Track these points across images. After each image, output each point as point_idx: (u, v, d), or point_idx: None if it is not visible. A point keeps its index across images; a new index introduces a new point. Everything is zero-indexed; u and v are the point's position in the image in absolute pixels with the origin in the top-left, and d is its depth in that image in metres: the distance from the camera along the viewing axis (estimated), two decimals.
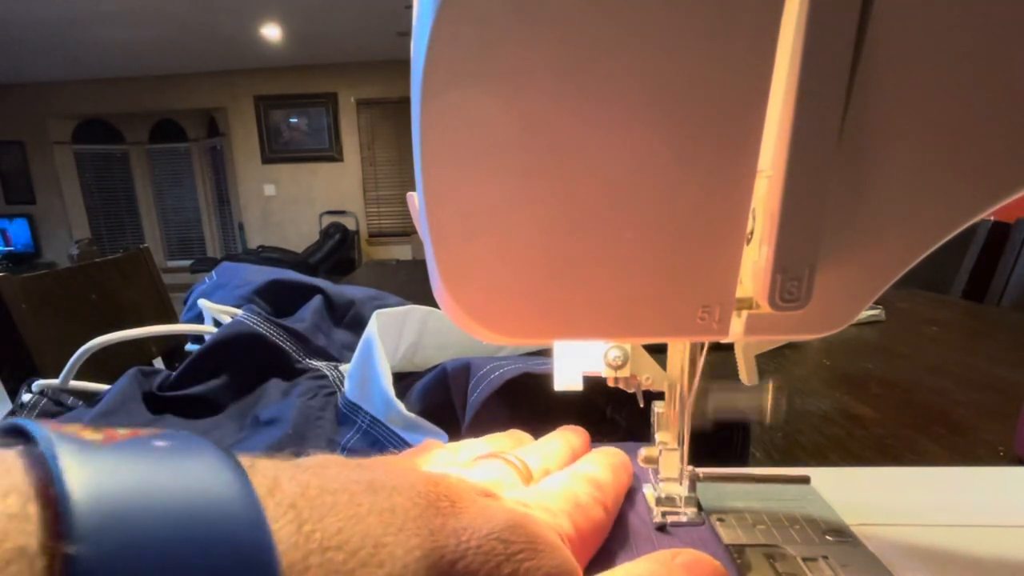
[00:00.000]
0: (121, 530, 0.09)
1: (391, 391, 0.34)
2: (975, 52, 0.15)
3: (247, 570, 0.10)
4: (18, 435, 0.11)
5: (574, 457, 0.24)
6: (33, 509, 0.09)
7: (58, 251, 5.11)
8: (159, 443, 0.11)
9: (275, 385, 0.44)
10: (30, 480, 0.09)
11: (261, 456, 0.15)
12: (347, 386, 0.40)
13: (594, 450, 0.25)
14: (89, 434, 0.11)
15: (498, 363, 0.34)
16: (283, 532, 0.11)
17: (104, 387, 0.43)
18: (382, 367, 0.35)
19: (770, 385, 0.23)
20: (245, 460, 0.12)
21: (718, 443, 0.30)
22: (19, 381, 0.43)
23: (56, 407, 0.41)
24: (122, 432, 0.11)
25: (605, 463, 0.23)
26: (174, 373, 0.44)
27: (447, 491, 0.16)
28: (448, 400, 0.35)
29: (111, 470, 0.10)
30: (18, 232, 5.16)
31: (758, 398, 0.24)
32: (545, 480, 0.22)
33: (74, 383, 0.43)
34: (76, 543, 0.09)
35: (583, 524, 0.19)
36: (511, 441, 0.25)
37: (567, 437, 0.25)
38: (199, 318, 0.56)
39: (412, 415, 0.33)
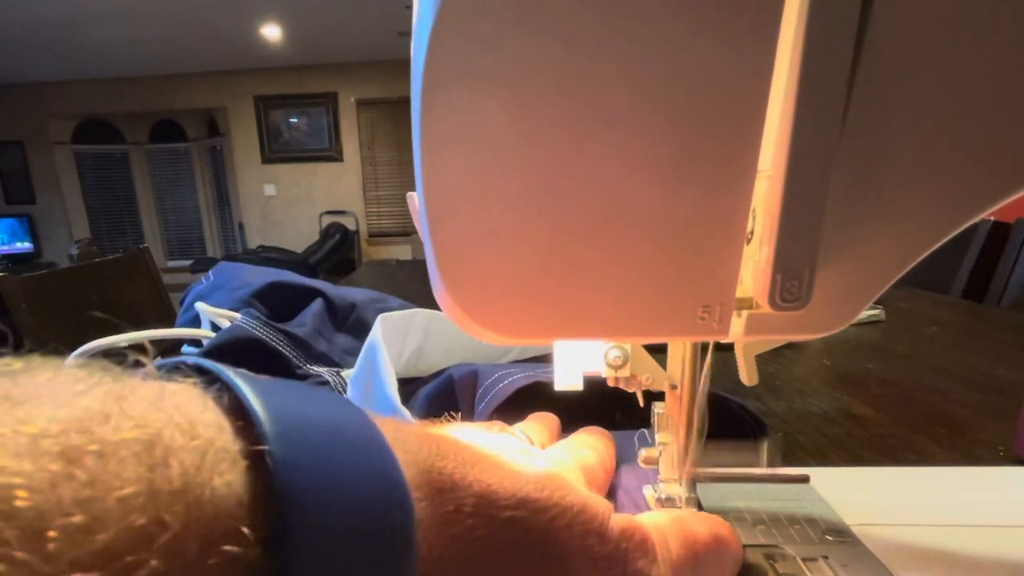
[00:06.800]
0: (295, 435, 0.11)
1: (396, 398, 0.33)
2: (975, 52, 0.15)
3: (389, 469, 0.12)
4: (179, 371, 0.13)
5: (554, 437, 0.27)
6: (227, 422, 0.11)
7: (58, 251, 5.11)
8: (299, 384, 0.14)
9: None
10: (220, 401, 0.12)
11: None
12: (350, 392, 0.40)
13: (579, 430, 0.27)
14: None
15: (507, 371, 0.34)
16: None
17: None
18: (386, 373, 0.35)
19: (766, 443, 0.24)
20: None
21: (732, 432, 0.30)
22: None
23: None
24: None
25: (595, 435, 0.26)
26: None
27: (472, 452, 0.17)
28: (454, 407, 0.35)
29: (275, 392, 0.12)
30: (18, 232, 5.16)
31: (754, 453, 0.24)
32: (549, 448, 0.24)
33: None
34: (267, 444, 0.11)
35: (590, 483, 0.21)
36: (497, 428, 0.26)
37: (542, 421, 0.27)
38: (196, 320, 0.55)
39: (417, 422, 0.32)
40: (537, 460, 0.19)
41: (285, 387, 0.13)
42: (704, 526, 0.19)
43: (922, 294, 0.89)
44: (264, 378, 0.13)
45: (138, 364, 0.12)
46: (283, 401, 0.12)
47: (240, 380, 0.12)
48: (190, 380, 0.12)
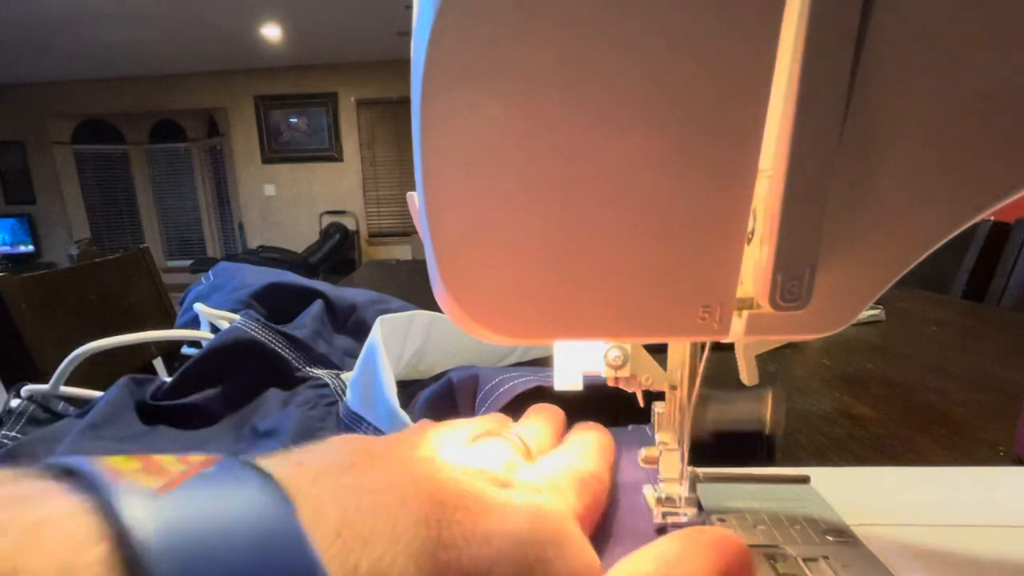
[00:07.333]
0: (185, 563, 0.10)
1: (395, 401, 0.33)
2: (976, 52, 0.15)
3: None
4: (70, 474, 0.11)
5: (557, 433, 0.26)
6: (111, 558, 0.10)
7: (58, 251, 5.11)
8: (209, 488, 0.12)
9: (274, 395, 0.43)
10: (104, 532, 0.10)
11: (301, 454, 0.15)
12: (349, 395, 0.39)
13: (576, 427, 0.26)
14: (143, 479, 0.11)
15: (507, 375, 0.33)
16: (334, 565, 0.12)
17: (96, 393, 0.42)
18: (386, 376, 0.35)
19: (770, 394, 0.23)
20: (292, 483, 0.13)
21: (743, 449, 0.30)
22: (19, 381, 0.42)
23: (45, 414, 0.40)
24: (175, 470, 0.12)
25: (593, 439, 0.25)
26: (168, 381, 0.42)
27: (461, 498, 0.16)
28: (454, 411, 0.35)
29: (170, 520, 0.11)
30: (19, 232, 5.16)
31: (757, 407, 0.24)
32: (545, 459, 0.23)
33: (65, 389, 0.42)
34: None
35: (589, 499, 0.21)
36: (497, 423, 0.26)
37: (546, 415, 0.27)
38: (196, 320, 0.54)
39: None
40: (520, 495, 0.18)
41: (186, 496, 0.11)
42: (699, 567, 0.17)
43: (922, 294, 0.89)
44: (174, 483, 0.12)
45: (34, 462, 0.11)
46: (177, 519, 0.11)
47: (126, 502, 0.11)
48: (75, 497, 0.11)
